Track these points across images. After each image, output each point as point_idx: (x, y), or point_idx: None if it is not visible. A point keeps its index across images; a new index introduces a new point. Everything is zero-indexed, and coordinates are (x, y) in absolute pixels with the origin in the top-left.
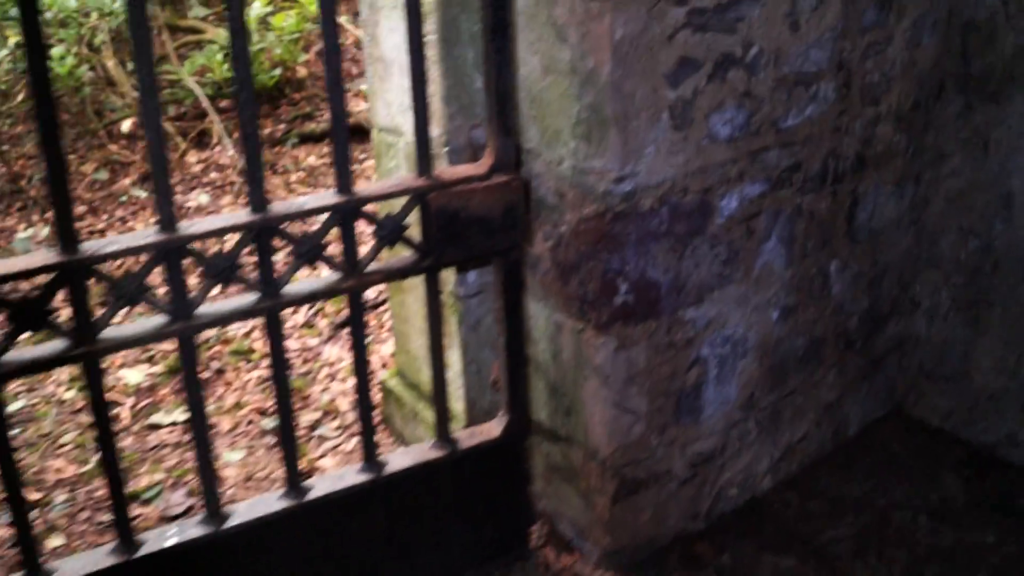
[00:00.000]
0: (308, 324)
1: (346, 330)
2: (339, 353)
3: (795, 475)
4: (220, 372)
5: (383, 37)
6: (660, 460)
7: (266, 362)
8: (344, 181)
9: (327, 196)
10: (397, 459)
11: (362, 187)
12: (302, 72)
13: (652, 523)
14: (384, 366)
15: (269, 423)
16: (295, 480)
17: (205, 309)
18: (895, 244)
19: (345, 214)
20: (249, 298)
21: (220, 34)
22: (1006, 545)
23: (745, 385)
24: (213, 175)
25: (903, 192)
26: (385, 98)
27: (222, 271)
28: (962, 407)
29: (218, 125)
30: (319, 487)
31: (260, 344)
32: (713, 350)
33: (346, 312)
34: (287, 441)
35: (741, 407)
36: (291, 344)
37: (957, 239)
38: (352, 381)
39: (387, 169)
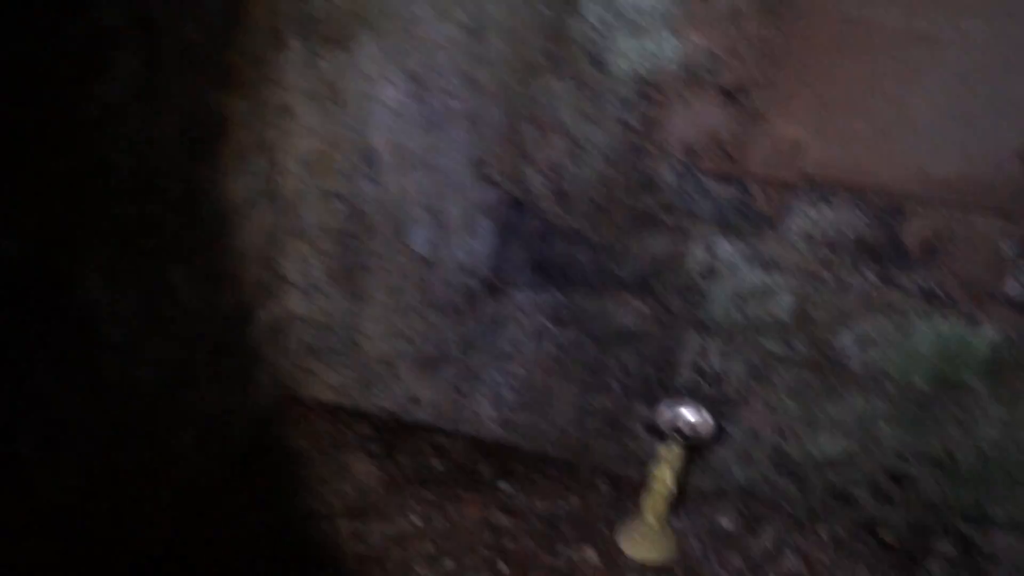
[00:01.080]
0: None
1: None
2: None
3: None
4: None
5: None
6: None
7: None
8: None
9: None
10: None
11: None
12: None
13: None
14: None
15: None
16: None
17: None
18: (253, 224)
19: None
20: None
21: None
22: (433, 522)
23: None
24: None
25: (251, 165)
26: None
27: None
28: (357, 379)
29: None
30: None
31: None
32: None
33: None
34: None
35: None
36: None
37: (321, 205)
38: None
39: None
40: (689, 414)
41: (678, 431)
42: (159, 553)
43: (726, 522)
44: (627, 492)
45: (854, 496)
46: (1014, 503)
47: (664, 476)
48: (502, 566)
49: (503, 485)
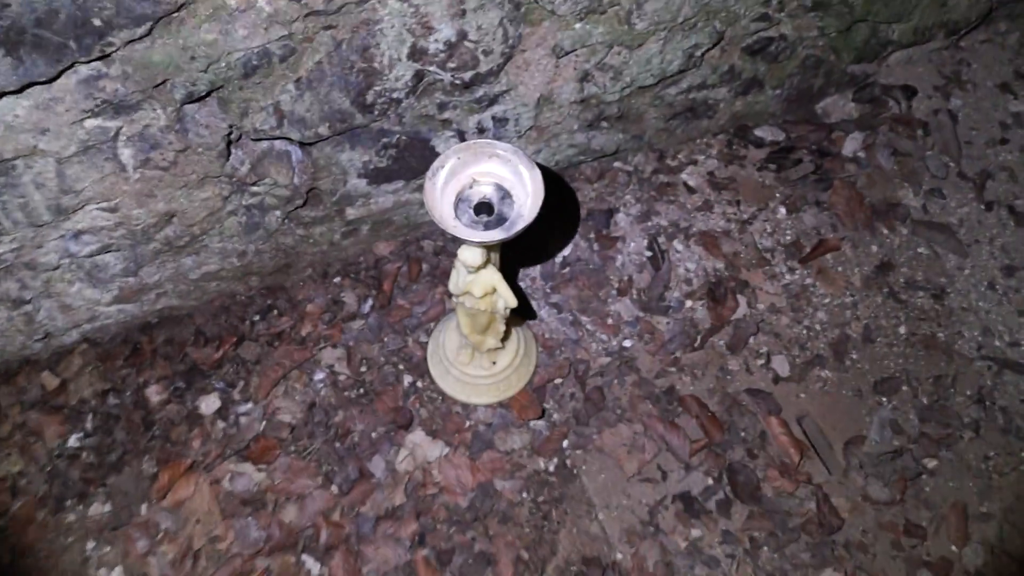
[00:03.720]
0: None
1: None
2: None
3: None
4: None
5: None
6: None
7: None
8: None
9: None
10: None
11: None
12: None
13: None
14: None
15: None
16: None
17: None
18: None
19: None
20: None
21: None
22: (152, 531)
23: None
24: None
25: None
26: None
27: None
28: None
29: None
30: None
31: None
32: None
33: None
34: None
35: None
36: None
37: None
38: None
39: None
40: (486, 170)
41: (479, 207)
42: None
43: (583, 245)
44: (396, 292)
45: (706, 105)
46: (918, 13)
47: (488, 283)
48: (312, 550)
49: (203, 403)
